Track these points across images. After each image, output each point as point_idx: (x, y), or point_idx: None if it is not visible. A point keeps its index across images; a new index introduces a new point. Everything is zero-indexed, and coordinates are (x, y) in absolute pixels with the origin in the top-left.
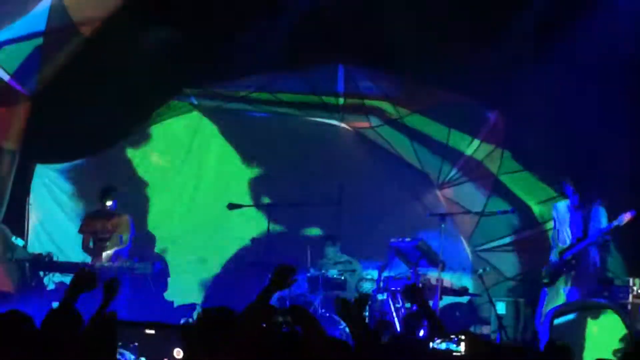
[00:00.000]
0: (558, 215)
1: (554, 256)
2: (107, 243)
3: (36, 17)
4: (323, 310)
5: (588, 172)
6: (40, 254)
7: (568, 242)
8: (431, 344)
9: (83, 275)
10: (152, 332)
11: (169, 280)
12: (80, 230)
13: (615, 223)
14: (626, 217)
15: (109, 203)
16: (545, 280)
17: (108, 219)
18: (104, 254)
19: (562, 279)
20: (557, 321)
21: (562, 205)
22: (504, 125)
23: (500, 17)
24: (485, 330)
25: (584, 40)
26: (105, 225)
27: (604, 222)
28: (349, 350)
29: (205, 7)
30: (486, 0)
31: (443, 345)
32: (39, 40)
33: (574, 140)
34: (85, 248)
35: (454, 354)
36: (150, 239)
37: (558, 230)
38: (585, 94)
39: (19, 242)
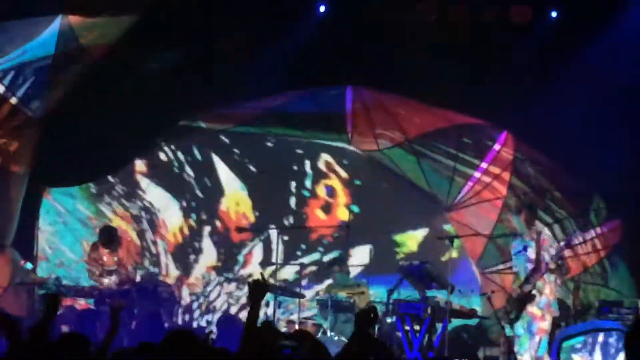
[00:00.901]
0: (514, 251)
1: (514, 291)
2: (114, 275)
3: (45, 41)
4: (332, 334)
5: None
6: (49, 277)
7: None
8: None
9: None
10: None
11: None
12: (87, 262)
13: (562, 245)
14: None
15: (109, 246)
16: (512, 317)
17: (113, 253)
18: (113, 278)
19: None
20: (565, 344)
21: (515, 240)
22: (514, 145)
23: (505, 38)
24: (495, 352)
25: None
26: (110, 258)
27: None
28: None
29: (212, 29)
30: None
31: None
32: (48, 63)
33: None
34: (92, 277)
35: None
36: (158, 263)
37: (516, 263)
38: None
39: (28, 265)
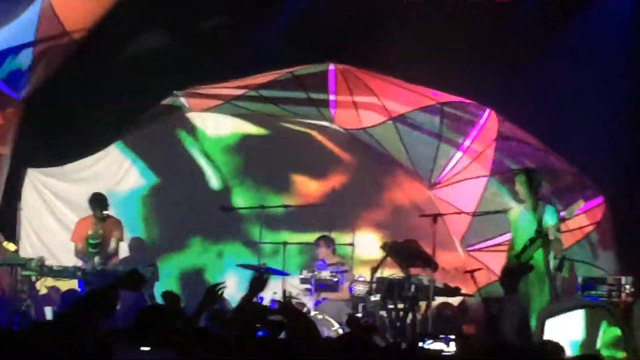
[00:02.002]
0: (515, 222)
1: (510, 261)
2: (99, 249)
3: (26, 22)
4: (316, 312)
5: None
6: (32, 259)
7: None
8: (421, 344)
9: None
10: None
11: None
12: (73, 237)
13: (563, 215)
14: (576, 207)
15: (100, 212)
16: (505, 287)
17: (99, 224)
18: (96, 259)
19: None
20: (549, 320)
21: (516, 211)
22: (497, 123)
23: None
24: (479, 329)
25: (579, 36)
26: (97, 230)
27: (552, 219)
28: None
29: (195, 9)
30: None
31: (434, 345)
32: (30, 44)
33: (568, 136)
34: (77, 253)
35: (444, 353)
36: (141, 243)
37: (514, 236)
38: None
39: (11, 246)
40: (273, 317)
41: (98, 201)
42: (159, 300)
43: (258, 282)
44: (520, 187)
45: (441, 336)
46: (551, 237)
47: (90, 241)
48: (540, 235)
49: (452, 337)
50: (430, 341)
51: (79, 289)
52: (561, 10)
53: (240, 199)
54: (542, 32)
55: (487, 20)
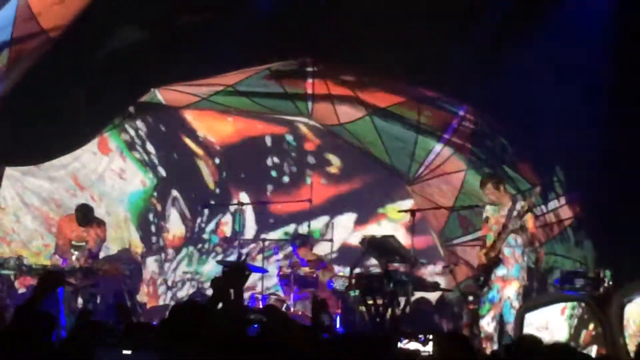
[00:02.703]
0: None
1: (482, 257)
2: (81, 250)
3: (2, 20)
4: (296, 308)
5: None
6: (10, 257)
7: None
8: (399, 344)
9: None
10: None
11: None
12: (56, 237)
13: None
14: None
15: (84, 223)
16: (480, 283)
17: (83, 227)
18: (76, 254)
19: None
20: (528, 314)
21: (489, 208)
22: (474, 118)
23: (468, 11)
24: (458, 324)
25: (551, 33)
26: (80, 234)
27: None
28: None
29: (170, 4)
30: None
31: (410, 345)
32: (7, 43)
33: (542, 133)
34: (58, 250)
35: (422, 353)
36: (123, 241)
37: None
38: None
39: None
40: (254, 316)
41: (83, 213)
42: (139, 297)
43: (238, 275)
44: (488, 192)
45: (419, 336)
46: (513, 226)
47: (74, 243)
48: (505, 230)
49: (429, 336)
50: (406, 341)
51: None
52: (540, 4)
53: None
54: (519, 26)
55: (464, 14)
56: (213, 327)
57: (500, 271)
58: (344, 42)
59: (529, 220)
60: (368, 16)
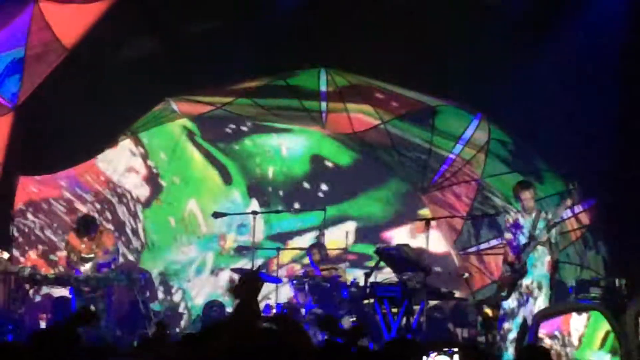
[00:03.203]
0: (511, 227)
1: (504, 268)
2: (90, 263)
3: (17, 29)
4: (310, 317)
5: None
6: (25, 267)
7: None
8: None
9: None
10: None
11: (155, 291)
12: (65, 248)
13: (550, 218)
14: (562, 210)
15: (87, 235)
16: (503, 294)
17: (91, 239)
18: (88, 265)
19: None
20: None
21: (514, 216)
22: (488, 127)
23: (480, 19)
24: (473, 333)
25: (565, 40)
26: (89, 245)
27: (541, 224)
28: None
29: (184, 15)
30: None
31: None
32: (21, 52)
33: (559, 140)
34: (70, 262)
35: None
36: (135, 250)
37: (509, 243)
38: (565, 93)
39: (4, 254)
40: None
41: (84, 224)
42: (155, 307)
43: (253, 285)
44: (527, 197)
45: (445, 349)
46: (553, 240)
47: (83, 256)
48: (534, 240)
49: (455, 349)
50: (434, 354)
51: (70, 296)
52: (552, 13)
53: (231, 205)
54: (532, 36)
55: (477, 24)
56: (222, 335)
57: (525, 281)
58: (358, 52)
59: (553, 233)
60: (382, 26)
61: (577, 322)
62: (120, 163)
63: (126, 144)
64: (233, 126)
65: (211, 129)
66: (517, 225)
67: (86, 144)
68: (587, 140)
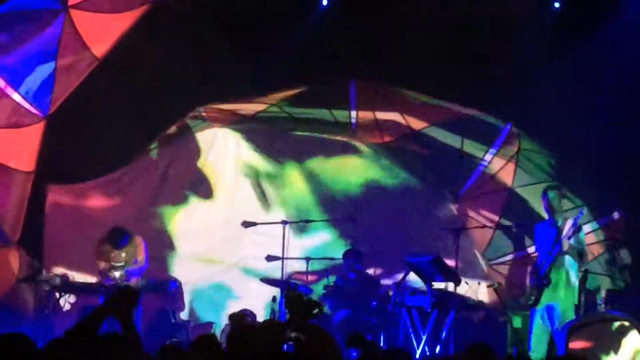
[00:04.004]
0: (539, 236)
1: (532, 275)
2: (121, 271)
3: (49, 39)
4: (339, 326)
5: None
6: (55, 275)
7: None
8: None
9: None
10: None
11: (185, 299)
12: (95, 256)
13: (571, 227)
14: (577, 219)
15: (119, 246)
16: (530, 302)
17: (120, 251)
18: (118, 273)
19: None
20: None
21: (541, 225)
22: (518, 137)
23: (507, 29)
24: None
25: (596, 50)
26: (118, 255)
27: (568, 233)
28: None
29: (216, 25)
30: (496, 14)
31: None
32: (52, 61)
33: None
34: (99, 272)
35: None
36: (165, 259)
37: (538, 250)
38: (596, 104)
39: (35, 262)
40: (294, 335)
41: (115, 236)
42: (183, 315)
43: (297, 303)
44: (552, 202)
45: None
46: (578, 247)
47: (113, 264)
48: (561, 248)
49: None
50: None
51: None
52: (582, 24)
53: (262, 213)
54: (562, 47)
55: (507, 34)
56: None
57: (552, 288)
58: (388, 62)
59: (580, 239)
60: (411, 35)
61: None
62: None
63: None
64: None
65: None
66: (545, 234)
67: (117, 153)
68: (619, 151)
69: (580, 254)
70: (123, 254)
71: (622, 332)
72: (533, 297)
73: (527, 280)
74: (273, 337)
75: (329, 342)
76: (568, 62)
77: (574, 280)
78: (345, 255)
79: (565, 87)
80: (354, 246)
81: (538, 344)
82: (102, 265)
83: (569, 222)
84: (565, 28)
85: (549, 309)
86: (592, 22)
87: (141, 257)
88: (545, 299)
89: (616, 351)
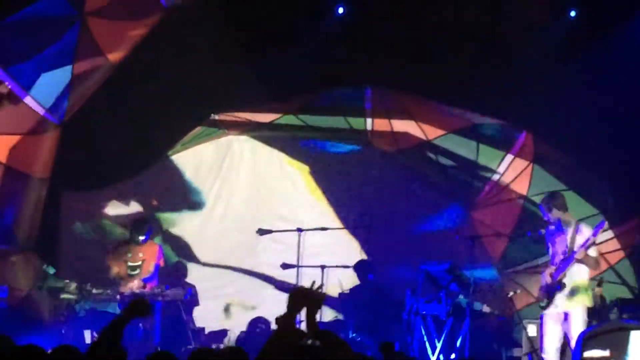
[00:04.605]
0: (548, 239)
1: (545, 278)
2: (138, 271)
3: (65, 46)
4: (355, 335)
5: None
6: (71, 282)
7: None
8: None
9: (138, 302)
10: None
11: (200, 306)
12: (110, 259)
13: (590, 237)
14: (598, 230)
15: (141, 238)
16: (542, 305)
17: (138, 248)
18: (135, 282)
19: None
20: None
21: (549, 229)
22: (533, 145)
23: (523, 38)
24: (517, 352)
25: (611, 57)
26: (136, 254)
27: (579, 241)
28: None
29: (230, 32)
30: (511, 22)
31: None
32: (68, 68)
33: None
34: (116, 277)
35: None
36: (181, 265)
37: (549, 253)
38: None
39: (50, 270)
40: (310, 342)
41: (138, 226)
42: (198, 322)
43: (299, 297)
44: (556, 210)
45: None
46: (592, 255)
47: (130, 264)
48: (572, 256)
49: None
50: None
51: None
52: (597, 31)
53: (277, 221)
54: (577, 52)
55: (522, 41)
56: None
57: (564, 293)
58: (404, 69)
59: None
60: (427, 42)
61: None
62: None
63: None
64: None
65: None
66: (554, 237)
67: (132, 161)
68: (637, 158)
69: (592, 262)
70: (140, 254)
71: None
72: (546, 300)
73: (541, 284)
74: (289, 345)
75: (345, 349)
76: (584, 69)
77: (588, 288)
78: (356, 266)
79: (581, 94)
80: (367, 257)
81: (550, 349)
82: (116, 270)
83: (586, 230)
84: (581, 36)
85: (564, 316)
86: (607, 30)
87: (152, 264)
88: (559, 305)
89: None
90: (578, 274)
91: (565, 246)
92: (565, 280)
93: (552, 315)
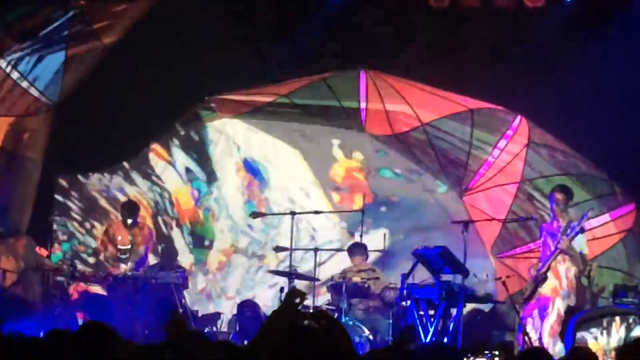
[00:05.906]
0: (542, 234)
1: (532, 270)
2: (129, 254)
3: (58, 27)
4: (347, 318)
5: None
6: (63, 264)
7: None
8: None
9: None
10: None
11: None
12: (101, 242)
13: (575, 227)
14: (582, 220)
15: (129, 221)
16: (525, 295)
17: (129, 231)
18: (127, 264)
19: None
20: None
21: (546, 225)
22: (528, 130)
23: (519, 24)
24: (509, 337)
25: (609, 44)
26: (126, 236)
27: (569, 232)
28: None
29: (226, 15)
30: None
31: None
32: (63, 50)
33: (599, 142)
34: (107, 259)
35: None
36: (173, 248)
37: (542, 249)
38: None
39: (43, 252)
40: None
41: (129, 209)
42: (192, 306)
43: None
44: (558, 205)
45: (485, 352)
46: (577, 249)
47: (120, 247)
48: (560, 246)
49: (496, 352)
50: (472, 358)
51: (107, 294)
52: (595, 15)
53: (270, 204)
54: (573, 38)
55: (518, 26)
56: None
57: (549, 284)
58: (399, 53)
59: (581, 242)
60: (422, 27)
61: None
62: None
63: None
64: None
65: None
66: (548, 231)
67: (126, 143)
68: (631, 143)
69: (577, 255)
70: (130, 236)
71: (630, 326)
72: (528, 291)
73: (528, 275)
74: (284, 326)
75: (342, 331)
76: (580, 56)
77: (572, 277)
78: (349, 249)
79: (576, 79)
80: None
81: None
82: (107, 253)
83: (574, 222)
84: (579, 23)
85: (544, 301)
86: (603, 15)
87: (142, 247)
88: (542, 293)
89: None
90: (562, 265)
91: (556, 240)
92: (549, 273)
93: (533, 305)
